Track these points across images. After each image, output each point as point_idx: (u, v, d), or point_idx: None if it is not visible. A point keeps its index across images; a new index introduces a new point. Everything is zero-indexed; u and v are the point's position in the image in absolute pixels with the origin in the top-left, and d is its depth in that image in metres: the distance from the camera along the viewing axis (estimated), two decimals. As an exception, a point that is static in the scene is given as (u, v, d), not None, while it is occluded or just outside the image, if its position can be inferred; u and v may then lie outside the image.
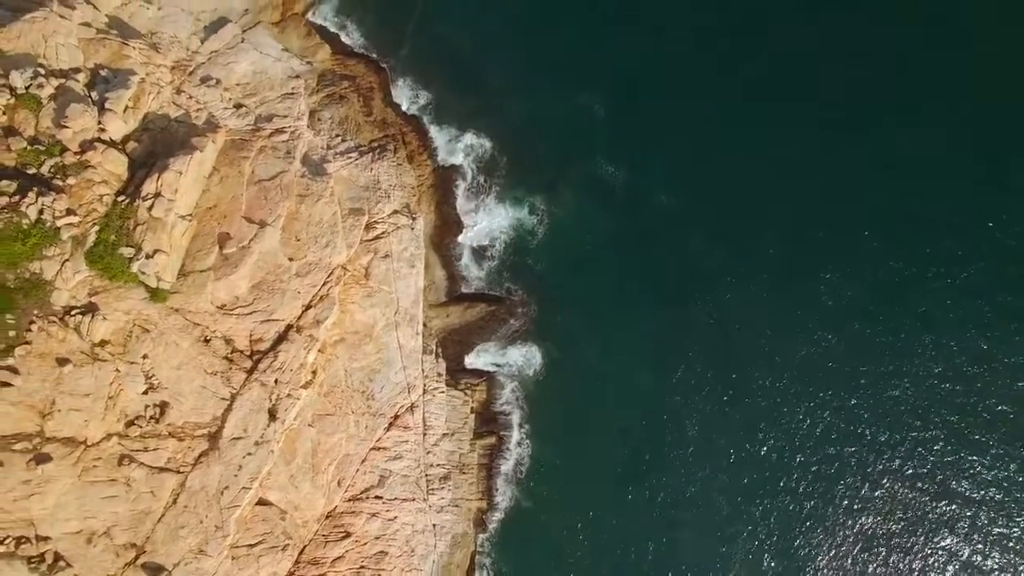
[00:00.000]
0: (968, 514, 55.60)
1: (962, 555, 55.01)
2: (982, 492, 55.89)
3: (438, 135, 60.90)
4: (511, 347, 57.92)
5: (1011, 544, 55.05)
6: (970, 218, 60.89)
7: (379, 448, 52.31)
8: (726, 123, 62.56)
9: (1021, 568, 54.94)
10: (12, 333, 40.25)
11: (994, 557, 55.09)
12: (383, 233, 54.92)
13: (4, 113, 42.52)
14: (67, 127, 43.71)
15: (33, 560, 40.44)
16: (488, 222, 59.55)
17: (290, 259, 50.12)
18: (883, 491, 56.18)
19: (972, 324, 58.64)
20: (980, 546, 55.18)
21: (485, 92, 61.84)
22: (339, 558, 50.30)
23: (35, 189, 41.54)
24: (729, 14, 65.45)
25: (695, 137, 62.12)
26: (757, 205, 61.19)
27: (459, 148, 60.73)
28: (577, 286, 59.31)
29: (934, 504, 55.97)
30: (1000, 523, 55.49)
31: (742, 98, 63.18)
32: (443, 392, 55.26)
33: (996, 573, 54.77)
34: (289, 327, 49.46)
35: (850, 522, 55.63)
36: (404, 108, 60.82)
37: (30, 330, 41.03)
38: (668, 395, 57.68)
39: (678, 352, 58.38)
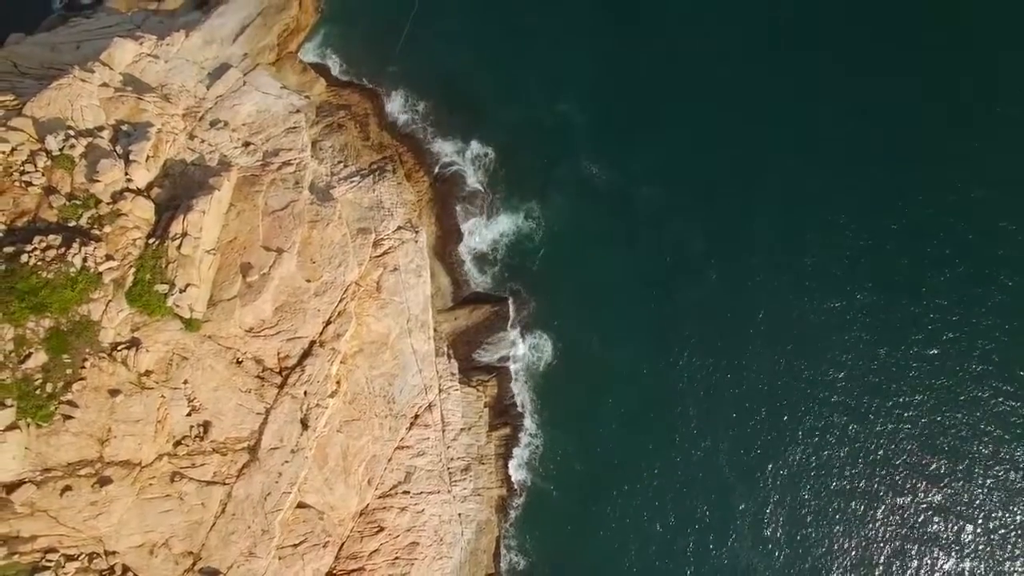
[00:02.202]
0: (970, 484, 57.60)
1: (968, 530, 56.93)
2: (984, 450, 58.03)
3: (432, 152, 62.76)
4: (517, 342, 59.72)
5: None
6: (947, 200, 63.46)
7: (403, 447, 53.82)
8: (694, 118, 64.99)
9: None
10: (69, 371, 41.91)
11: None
12: (390, 248, 56.76)
13: (43, 174, 44.36)
14: (99, 181, 45.39)
15: (104, 573, 42.03)
16: (486, 229, 61.68)
17: (308, 281, 51.53)
18: (878, 458, 58.02)
19: (969, 298, 61.09)
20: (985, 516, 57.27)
21: (472, 108, 63.92)
22: (375, 551, 51.69)
23: (77, 240, 43.22)
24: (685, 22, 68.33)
25: (667, 133, 64.57)
26: (732, 188, 63.56)
27: (453, 162, 62.68)
28: (574, 281, 61.27)
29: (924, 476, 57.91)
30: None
31: (706, 95, 65.70)
32: (457, 390, 56.85)
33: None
34: (313, 343, 50.75)
35: (846, 486, 57.49)
36: (398, 130, 62.65)
37: (84, 367, 42.54)
38: (669, 376, 59.45)
39: (675, 335, 60.28)
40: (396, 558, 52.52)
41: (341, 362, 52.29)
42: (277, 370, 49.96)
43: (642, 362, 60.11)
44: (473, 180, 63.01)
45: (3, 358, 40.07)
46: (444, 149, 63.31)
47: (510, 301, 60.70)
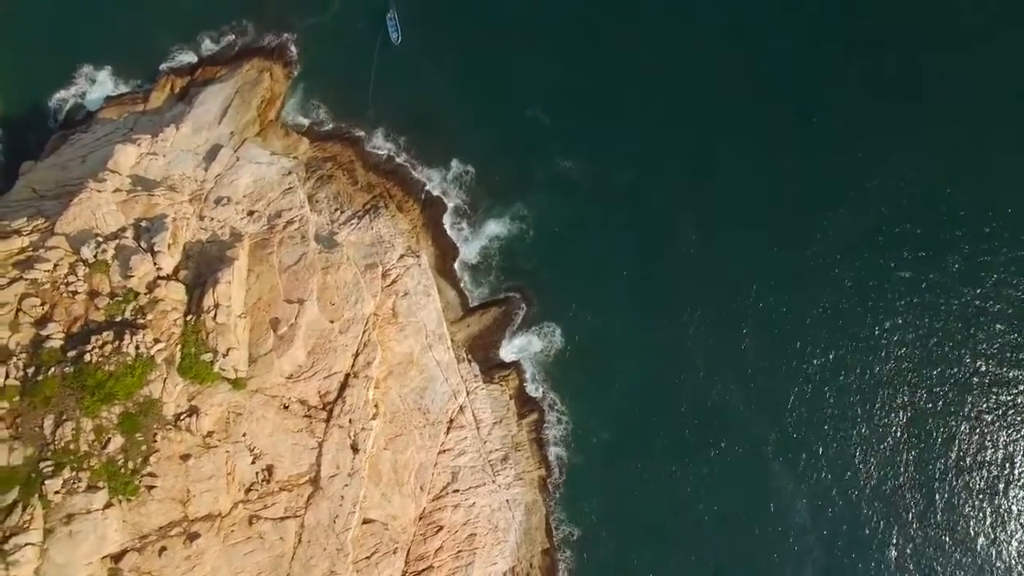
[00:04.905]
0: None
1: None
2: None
3: (417, 180, 66.09)
4: (528, 335, 63.86)
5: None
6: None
7: (445, 451, 57.86)
8: (654, 102, 69.24)
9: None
10: (144, 447, 46.29)
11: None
12: (397, 276, 60.35)
13: (85, 281, 48.56)
14: (133, 276, 49.29)
15: (207, 618, 46.45)
16: (479, 239, 65.28)
17: (331, 321, 55.04)
18: (883, 378, 63.77)
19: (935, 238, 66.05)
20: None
21: (445, 132, 67.55)
22: (439, 549, 55.92)
23: (127, 331, 47.38)
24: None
25: (630, 119, 68.65)
26: (698, 162, 67.72)
27: (437, 186, 66.25)
28: (569, 270, 65.44)
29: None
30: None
31: (665, 80, 70.12)
32: (483, 389, 61.05)
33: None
34: (347, 376, 54.43)
35: (856, 410, 63.39)
36: (382, 168, 65.84)
37: (155, 440, 46.75)
38: (672, 338, 64.18)
39: (671, 301, 64.96)
40: (459, 551, 56.83)
41: (375, 387, 56.08)
42: (321, 406, 53.95)
43: (643, 331, 64.38)
44: (460, 198, 66.54)
45: (88, 447, 44.80)
46: (427, 175, 66.80)
47: (514, 299, 64.49)
